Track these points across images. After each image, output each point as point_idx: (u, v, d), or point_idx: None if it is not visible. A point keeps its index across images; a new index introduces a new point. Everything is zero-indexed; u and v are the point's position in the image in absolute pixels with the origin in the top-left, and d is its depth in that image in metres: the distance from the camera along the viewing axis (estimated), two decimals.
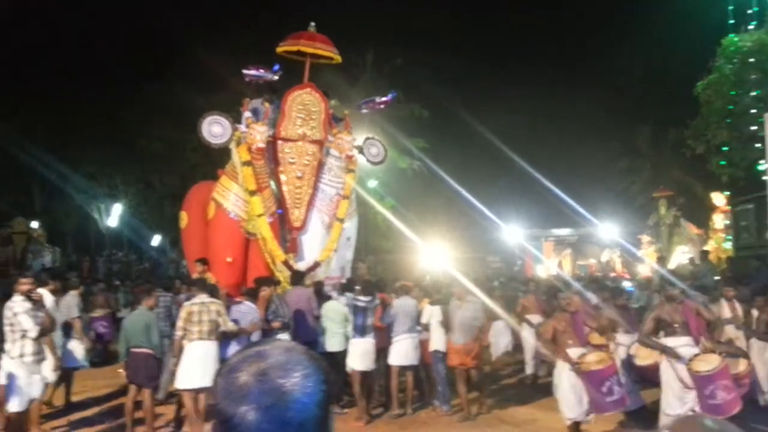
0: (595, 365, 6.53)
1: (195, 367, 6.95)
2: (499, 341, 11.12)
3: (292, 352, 1.09)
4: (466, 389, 8.13)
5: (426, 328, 8.59)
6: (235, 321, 7.53)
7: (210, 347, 7.10)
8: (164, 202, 28.29)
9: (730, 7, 15.82)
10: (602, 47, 30.77)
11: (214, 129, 9.93)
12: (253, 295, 8.05)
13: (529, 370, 10.38)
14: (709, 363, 6.21)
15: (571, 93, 28.76)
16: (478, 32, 33.85)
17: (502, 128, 23.95)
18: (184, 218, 10.73)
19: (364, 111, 11.80)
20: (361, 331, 8.14)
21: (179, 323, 7.20)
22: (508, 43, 33.45)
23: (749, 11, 15.67)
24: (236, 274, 9.71)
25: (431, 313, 8.60)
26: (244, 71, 10.16)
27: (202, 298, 7.29)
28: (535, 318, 10.21)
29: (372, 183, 20.01)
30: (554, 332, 6.79)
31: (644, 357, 7.18)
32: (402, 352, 8.30)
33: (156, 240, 29.99)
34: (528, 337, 10.23)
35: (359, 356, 8.10)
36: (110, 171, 28.03)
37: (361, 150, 11.01)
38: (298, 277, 9.39)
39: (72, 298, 8.77)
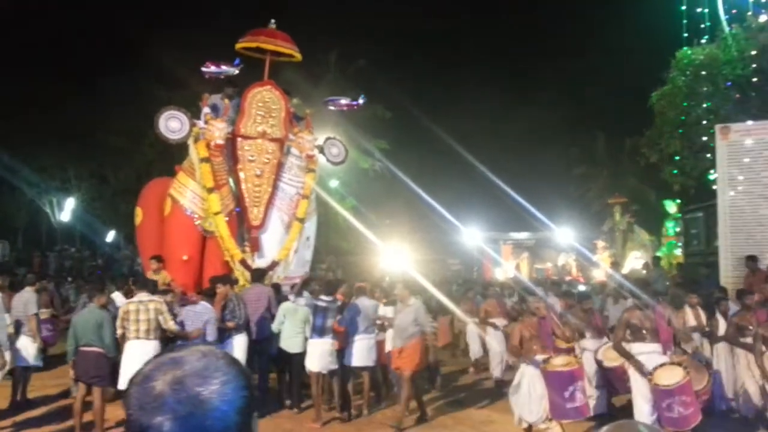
0: (560, 367, 6.50)
1: (134, 366, 6.80)
2: (473, 346, 11.22)
3: (210, 358, 1.04)
4: (413, 392, 7.88)
5: (383, 328, 8.60)
6: (182, 323, 7.44)
7: (148, 346, 6.97)
8: (119, 198, 27.67)
9: (684, 22, 16.32)
10: (563, 56, 31.41)
11: (172, 124, 9.77)
12: (210, 294, 7.95)
13: (496, 373, 10.11)
14: (673, 376, 6.13)
15: (532, 99, 29.25)
16: (442, 36, 34.09)
17: (463, 132, 24.22)
18: (139, 214, 10.53)
19: (331, 107, 11.78)
20: (320, 331, 7.93)
21: (118, 322, 7.13)
22: (471, 48, 33.81)
23: (702, 26, 16.22)
24: (192, 273, 9.58)
25: (386, 314, 8.63)
26: (203, 69, 10.02)
27: (141, 296, 7.21)
28: (500, 321, 10.26)
29: (333, 183, 19.95)
30: (521, 337, 6.76)
31: (613, 359, 7.16)
32: (359, 353, 8.29)
33: (110, 236, 29.30)
34: (492, 341, 10.15)
35: (317, 357, 7.95)
36: (63, 165, 27.25)
37: (321, 150, 10.97)
38: (259, 274, 9.32)
39: (29, 294, 8.50)
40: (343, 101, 11.65)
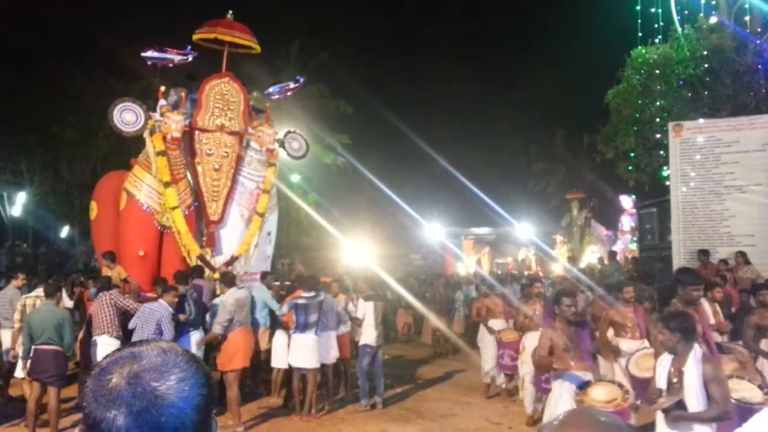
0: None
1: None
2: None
3: (169, 354, 1.03)
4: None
5: (359, 323, 8.62)
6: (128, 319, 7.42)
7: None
8: (73, 192, 26.92)
9: (639, 21, 16.72)
10: (523, 54, 31.83)
11: (127, 116, 9.54)
12: (168, 289, 7.77)
13: (487, 379, 9.18)
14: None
15: (493, 97, 29.59)
16: (405, 33, 34.14)
17: (426, 128, 24.37)
18: (94, 209, 10.28)
19: (275, 98, 11.61)
20: (303, 327, 7.81)
21: (16, 315, 7.04)
22: (433, 46, 33.96)
23: (656, 26, 16.64)
24: (149, 268, 9.38)
25: (366, 309, 8.59)
26: (142, 54, 9.78)
27: (38, 291, 7.10)
28: (497, 323, 9.18)
29: (295, 178, 19.80)
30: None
31: (647, 369, 6.18)
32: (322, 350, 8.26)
33: (64, 231, 28.50)
34: (488, 344, 9.13)
35: (300, 352, 7.88)
36: (14, 158, 26.35)
37: (282, 144, 10.86)
38: (229, 279, 9.14)
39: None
40: (280, 88, 11.51)
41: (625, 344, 6.61)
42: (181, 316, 7.64)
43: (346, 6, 29.03)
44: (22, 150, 25.73)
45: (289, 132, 11.21)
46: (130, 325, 7.33)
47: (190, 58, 10.07)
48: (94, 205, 10.29)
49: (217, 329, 7.48)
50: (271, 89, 11.50)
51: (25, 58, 25.19)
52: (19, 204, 26.82)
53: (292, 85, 11.46)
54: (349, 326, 8.89)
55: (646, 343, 6.48)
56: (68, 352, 7.25)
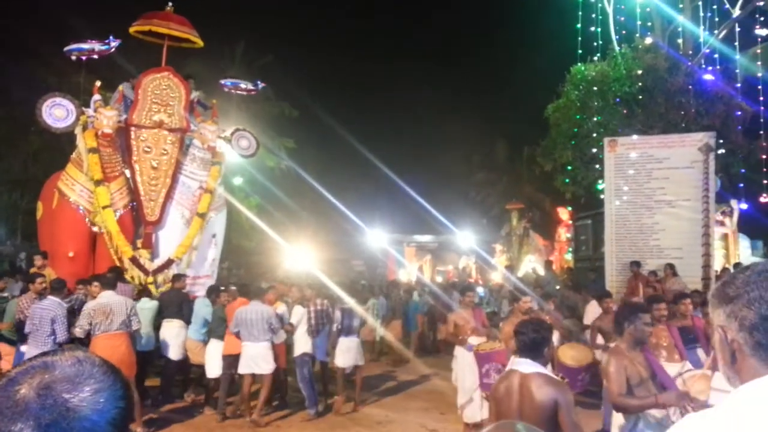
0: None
1: None
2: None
3: (85, 364, 0.99)
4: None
5: (293, 329, 8.44)
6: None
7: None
8: (2, 188, 25.65)
9: (579, 39, 17.30)
10: (468, 65, 32.37)
11: (57, 112, 9.17)
12: (110, 284, 7.39)
13: (467, 415, 7.30)
14: None
15: (436, 105, 29.95)
16: (350, 37, 34.22)
17: (370, 134, 24.45)
18: (39, 208, 9.77)
19: (229, 91, 11.38)
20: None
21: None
22: (378, 52, 34.13)
23: (594, 44, 17.28)
24: (81, 269, 9.00)
25: (301, 316, 8.45)
26: (66, 49, 9.45)
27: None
28: (473, 339, 7.37)
29: (237, 180, 19.48)
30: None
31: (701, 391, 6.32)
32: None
33: None
34: (464, 367, 7.39)
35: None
36: None
37: (229, 141, 10.57)
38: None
39: None
40: (242, 85, 11.31)
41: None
42: (76, 331, 7.01)
43: (291, 8, 28.87)
44: None
45: (237, 129, 10.88)
46: (26, 330, 6.93)
47: (113, 48, 9.71)
48: (39, 205, 9.80)
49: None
50: (226, 81, 11.23)
51: None
52: None
53: (250, 87, 11.23)
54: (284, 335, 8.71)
55: (688, 365, 5.70)
56: None
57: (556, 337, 7.55)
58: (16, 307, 7.59)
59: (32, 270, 8.79)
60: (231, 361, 8.09)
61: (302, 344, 8.41)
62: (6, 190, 25.56)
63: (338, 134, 23.40)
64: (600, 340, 7.54)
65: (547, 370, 3.63)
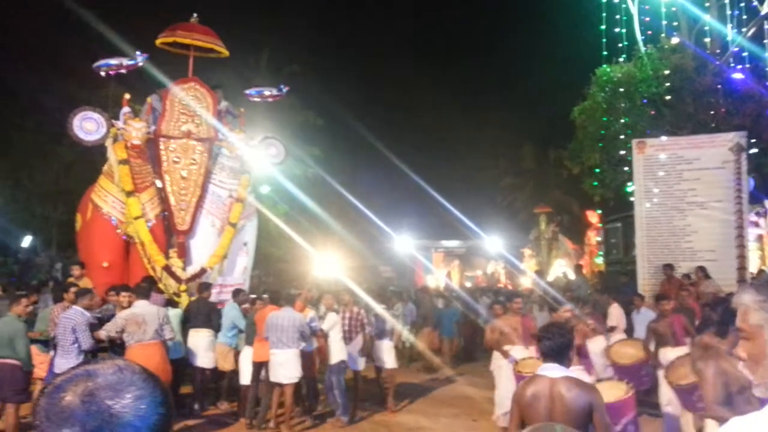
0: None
1: None
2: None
3: (125, 372, 1.02)
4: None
5: (325, 336, 8.44)
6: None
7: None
8: (35, 201, 26.28)
9: (603, 41, 17.14)
10: (493, 70, 32.28)
11: (87, 125, 9.37)
12: (144, 293, 7.57)
13: (501, 422, 7.06)
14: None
15: (463, 111, 29.90)
16: (376, 44, 34.37)
17: (396, 140, 24.49)
18: (78, 220, 9.93)
19: (255, 99, 11.47)
20: (380, 334, 9.02)
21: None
22: (404, 58, 34.23)
23: (620, 45, 17.09)
24: (114, 279, 9.14)
25: (334, 322, 8.46)
26: (95, 65, 9.66)
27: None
28: (518, 350, 7.10)
29: (265, 189, 19.67)
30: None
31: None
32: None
33: (26, 241, 27.77)
34: (503, 376, 7.18)
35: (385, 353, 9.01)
36: None
37: (259, 150, 10.65)
38: (204, 287, 9.01)
39: None
40: (266, 92, 11.38)
41: (673, 353, 6.65)
42: (101, 333, 7.15)
43: (317, 18, 29.12)
44: None
45: (266, 137, 10.96)
46: (55, 338, 7.12)
47: (140, 63, 9.90)
48: (78, 217, 9.95)
49: (101, 334, 7.13)
50: (250, 91, 11.33)
51: None
52: None
53: (275, 92, 11.31)
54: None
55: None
56: (26, 366, 7.05)
57: (602, 344, 7.50)
58: (50, 316, 7.79)
59: (69, 280, 9.00)
60: (259, 368, 8.16)
61: (338, 351, 8.40)
62: (40, 203, 26.16)
63: (364, 141, 23.53)
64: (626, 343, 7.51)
65: (575, 373, 3.60)
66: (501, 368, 7.30)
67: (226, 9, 21.98)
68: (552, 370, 3.38)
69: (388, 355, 9.07)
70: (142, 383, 1.02)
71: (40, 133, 23.76)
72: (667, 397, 6.47)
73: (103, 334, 7.10)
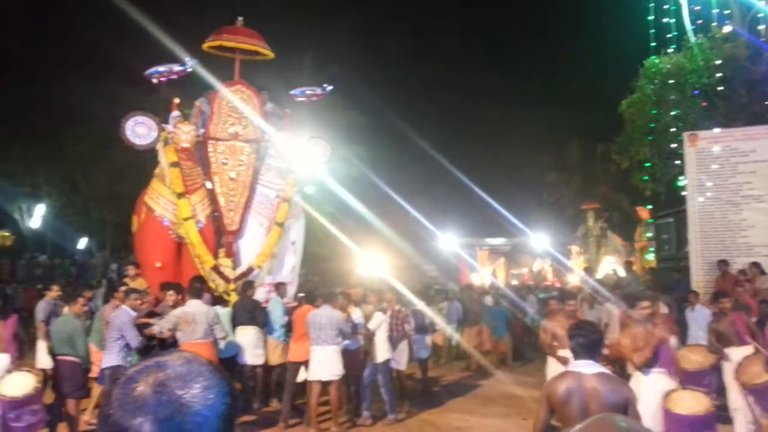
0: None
1: None
2: None
3: (193, 363, 1.06)
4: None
5: (371, 335, 8.43)
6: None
7: None
8: (90, 204, 27.18)
9: (652, 31, 16.71)
10: (537, 64, 31.84)
11: (139, 130, 9.63)
12: (196, 293, 7.73)
13: None
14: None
15: (506, 106, 29.56)
16: (417, 42, 34.32)
17: (439, 138, 24.41)
18: (134, 222, 10.21)
19: (298, 99, 11.58)
20: (420, 329, 9.27)
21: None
22: (445, 56, 34.09)
23: (669, 36, 16.62)
24: (166, 279, 9.38)
25: (381, 322, 8.46)
26: (146, 72, 9.89)
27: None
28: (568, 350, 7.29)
29: (309, 189, 19.87)
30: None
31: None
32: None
33: (82, 243, 28.79)
34: None
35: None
36: (33, 171, 26.69)
37: (305, 149, 10.75)
38: (247, 286, 9.17)
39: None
40: (309, 91, 11.47)
41: (738, 352, 6.50)
42: (154, 329, 7.33)
43: (358, 16, 29.25)
44: (39, 163, 26.07)
45: (312, 137, 11.08)
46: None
47: (190, 68, 10.11)
48: (134, 219, 10.21)
49: (154, 329, 7.30)
50: (295, 91, 11.45)
51: (40, 70, 25.49)
52: (37, 216, 27.15)
53: (318, 92, 11.41)
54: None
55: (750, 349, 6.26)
56: (85, 363, 7.30)
57: (673, 341, 7.28)
58: (103, 315, 8.11)
59: (125, 280, 9.30)
60: (296, 367, 8.26)
61: (384, 351, 8.42)
62: (95, 206, 27.05)
63: (408, 139, 23.52)
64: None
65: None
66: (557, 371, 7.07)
67: (270, 11, 22.29)
68: (586, 367, 3.41)
69: (426, 348, 9.64)
70: (210, 374, 1.06)
71: (94, 139, 24.54)
72: (736, 401, 6.25)
73: (155, 329, 7.30)
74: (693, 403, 4.72)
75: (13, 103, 24.22)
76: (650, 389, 5.12)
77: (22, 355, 7.82)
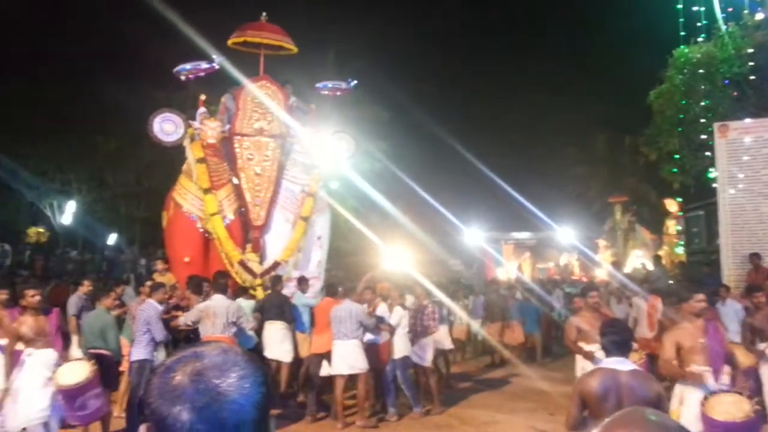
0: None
1: None
2: None
3: (229, 354, 1.09)
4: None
5: (391, 330, 8.40)
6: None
7: None
8: (119, 200, 27.64)
9: (681, 20, 16.37)
10: (561, 56, 31.46)
11: (166, 127, 9.75)
12: (220, 288, 7.84)
13: None
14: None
15: (530, 99, 29.29)
16: (440, 36, 34.14)
17: (463, 132, 24.26)
18: (163, 218, 10.35)
19: (323, 93, 11.61)
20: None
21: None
22: (470, 49, 33.85)
23: (698, 24, 16.26)
24: (194, 274, 9.53)
25: (401, 317, 8.44)
26: (175, 70, 10.00)
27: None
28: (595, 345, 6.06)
29: (333, 184, 19.93)
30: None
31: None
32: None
33: (111, 238, 29.28)
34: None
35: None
36: (63, 167, 27.22)
37: (330, 144, 10.75)
38: (276, 280, 9.25)
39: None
40: (332, 85, 11.49)
41: None
42: (180, 320, 7.55)
43: (382, 10, 29.18)
44: (70, 160, 26.57)
45: (336, 132, 11.11)
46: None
47: (218, 66, 10.22)
48: (163, 215, 10.35)
49: (179, 321, 7.54)
50: (321, 84, 11.49)
51: (71, 68, 25.94)
52: (68, 213, 27.69)
53: (343, 86, 11.45)
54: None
55: None
56: (116, 356, 7.44)
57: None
58: (129, 310, 8.29)
59: (154, 275, 9.46)
60: (318, 360, 8.31)
61: (403, 347, 8.38)
62: (124, 202, 27.50)
63: (432, 133, 23.44)
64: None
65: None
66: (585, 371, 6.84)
67: (294, 6, 22.39)
68: (619, 364, 3.51)
69: (446, 339, 9.86)
70: (245, 364, 1.08)
71: (123, 136, 24.93)
72: None
73: (181, 320, 7.50)
74: (731, 408, 4.47)
75: (45, 100, 24.72)
76: (695, 390, 4.88)
77: (66, 348, 8.01)
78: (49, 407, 5.93)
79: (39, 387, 5.92)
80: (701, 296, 5.33)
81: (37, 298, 6.16)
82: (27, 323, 6.05)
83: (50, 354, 6.17)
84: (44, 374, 5.98)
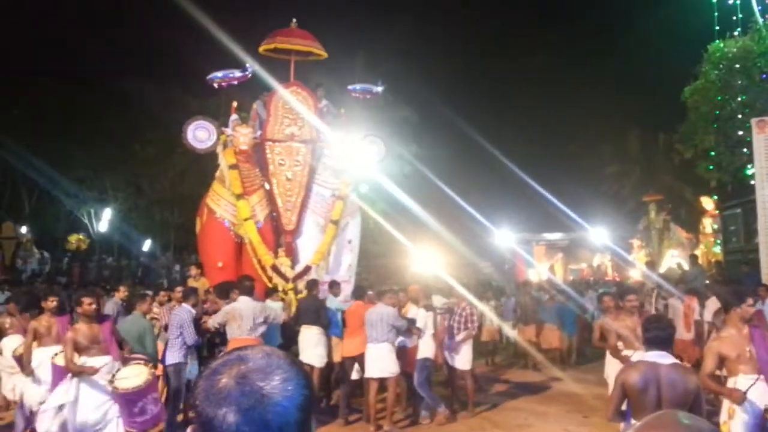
0: None
1: None
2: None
3: (272, 357, 1.11)
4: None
5: (419, 333, 8.30)
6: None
7: None
8: (154, 207, 28.14)
9: (716, 14, 16.02)
10: (594, 54, 31.03)
11: (199, 134, 9.93)
12: (246, 290, 7.91)
13: None
14: None
15: (562, 98, 28.95)
16: (470, 36, 34.00)
17: (494, 133, 24.12)
18: (197, 224, 10.53)
19: (355, 95, 11.68)
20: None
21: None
22: (500, 48, 33.62)
23: (734, 18, 15.89)
24: (228, 278, 9.63)
25: (426, 319, 8.41)
26: (208, 77, 10.16)
27: None
28: (631, 351, 6.16)
29: (363, 187, 20.00)
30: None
31: None
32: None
33: (146, 245, 29.87)
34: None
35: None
36: (100, 175, 27.84)
37: (360, 148, 10.79)
38: (312, 284, 9.27)
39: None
40: (358, 87, 11.55)
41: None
42: (209, 322, 7.68)
43: (411, 13, 29.17)
44: (106, 168, 27.17)
45: (367, 135, 11.17)
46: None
47: (250, 74, 10.36)
48: (197, 221, 10.53)
49: (209, 323, 7.67)
50: (351, 87, 11.56)
51: (106, 76, 26.52)
52: (105, 220, 28.33)
53: (373, 90, 11.52)
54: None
55: None
56: (153, 362, 7.55)
57: None
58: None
59: (188, 280, 9.62)
60: (350, 363, 8.32)
61: (425, 349, 8.30)
62: (158, 209, 28.01)
63: (462, 134, 23.36)
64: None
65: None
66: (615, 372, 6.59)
67: (323, 11, 22.54)
68: (660, 358, 3.63)
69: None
70: (288, 367, 1.10)
71: (158, 142, 25.39)
72: None
73: (210, 323, 7.64)
74: None
75: (84, 106, 25.31)
76: (757, 398, 4.56)
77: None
78: (109, 414, 5.91)
79: (98, 395, 5.90)
80: (752, 300, 4.94)
81: (94, 306, 6.10)
82: (81, 331, 6.00)
83: (106, 360, 6.10)
84: (102, 381, 5.94)
